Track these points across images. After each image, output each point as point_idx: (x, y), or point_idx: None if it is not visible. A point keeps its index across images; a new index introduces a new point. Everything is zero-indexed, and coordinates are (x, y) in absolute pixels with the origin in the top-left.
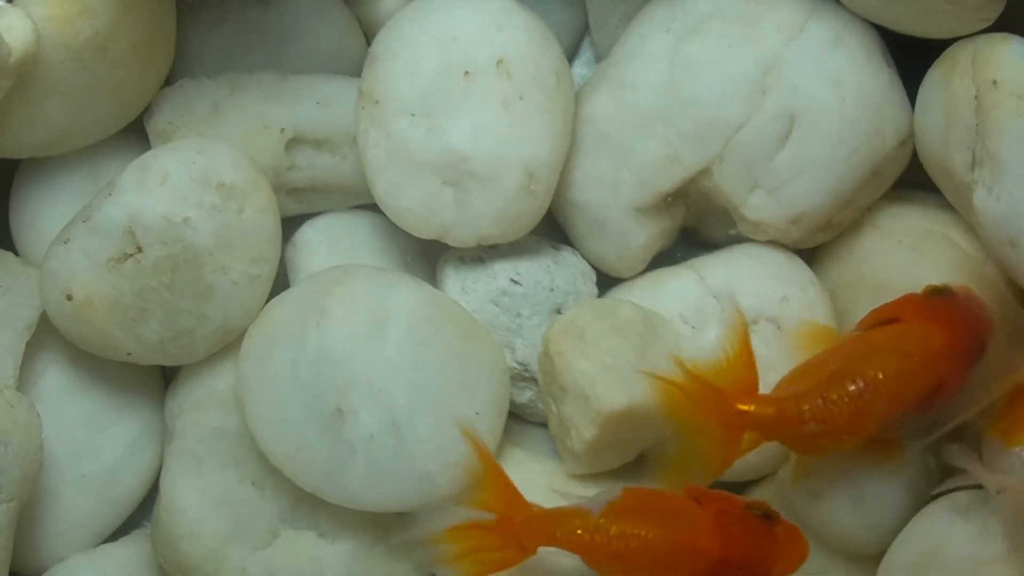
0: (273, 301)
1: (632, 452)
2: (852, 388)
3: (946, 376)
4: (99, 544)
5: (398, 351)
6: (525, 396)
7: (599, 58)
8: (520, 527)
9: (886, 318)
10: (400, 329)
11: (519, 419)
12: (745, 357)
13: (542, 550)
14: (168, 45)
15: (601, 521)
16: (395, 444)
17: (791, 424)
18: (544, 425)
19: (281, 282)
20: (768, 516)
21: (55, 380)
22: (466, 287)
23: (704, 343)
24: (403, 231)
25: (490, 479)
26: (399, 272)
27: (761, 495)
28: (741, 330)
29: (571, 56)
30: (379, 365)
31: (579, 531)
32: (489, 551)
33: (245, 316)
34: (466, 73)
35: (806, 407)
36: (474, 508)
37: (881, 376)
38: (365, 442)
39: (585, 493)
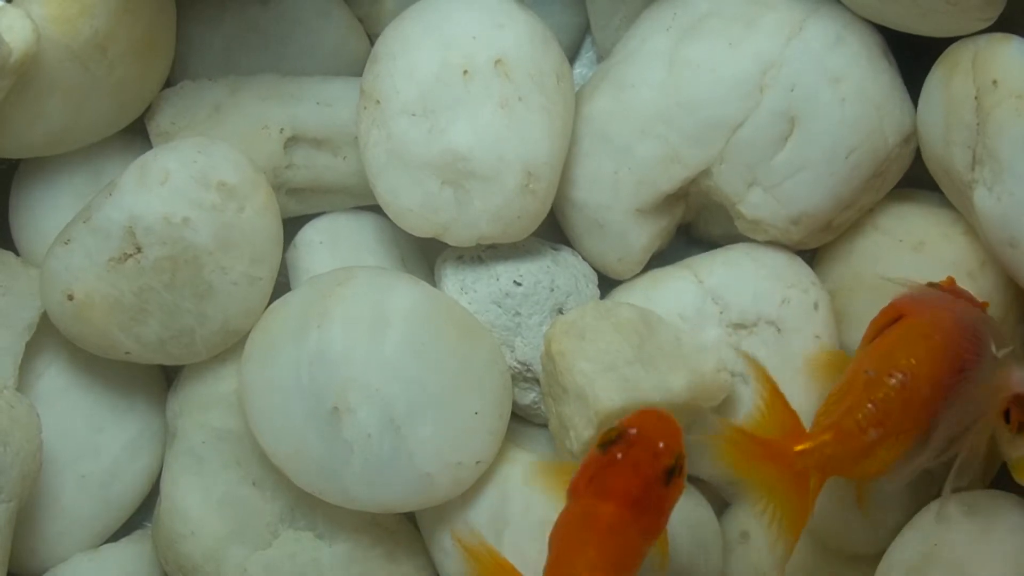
0: (275, 303)
1: None
2: (893, 381)
3: (966, 354)
4: (100, 544)
5: (397, 351)
6: (528, 398)
7: (601, 58)
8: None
9: (888, 320)
10: (399, 329)
11: (523, 421)
12: (780, 403)
13: None
14: (168, 45)
15: None
16: (393, 444)
17: (852, 440)
18: (547, 426)
19: (282, 284)
20: (619, 436)
21: (55, 380)
22: (466, 287)
23: (704, 341)
24: (404, 231)
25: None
26: (399, 272)
27: None
28: (766, 379)
29: (572, 56)
30: (377, 365)
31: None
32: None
33: (246, 317)
34: (465, 73)
35: (860, 416)
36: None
37: (914, 361)
38: (363, 442)
39: None
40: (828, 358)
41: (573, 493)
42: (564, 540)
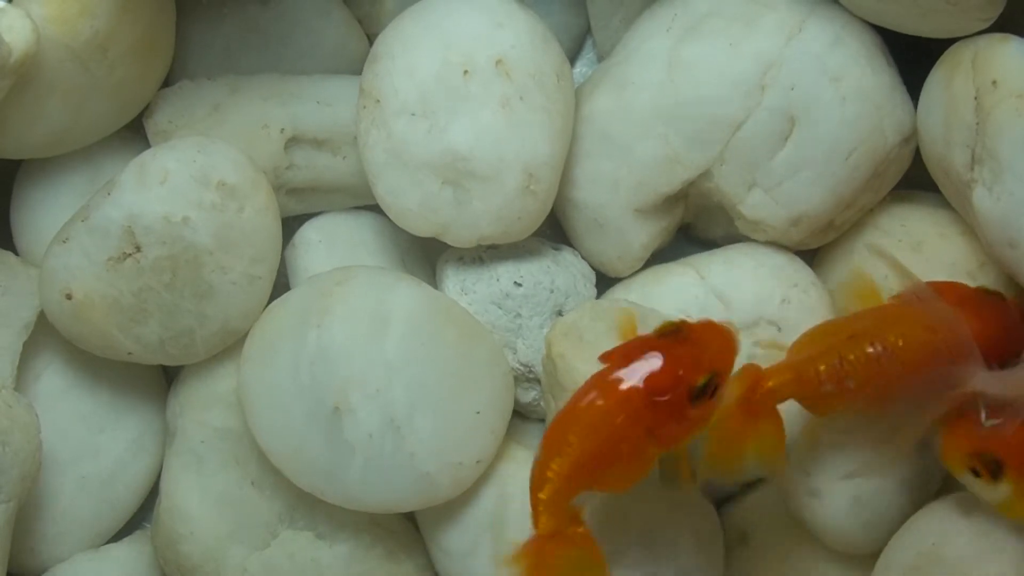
0: (274, 303)
1: None
2: (871, 351)
3: (963, 363)
4: (100, 545)
5: (397, 351)
6: (529, 395)
7: (601, 58)
8: (533, 526)
9: (932, 289)
10: (399, 329)
11: (523, 417)
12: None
13: None
14: (168, 45)
15: (545, 457)
16: (394, 444)
17: (808, 386)
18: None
19: (281, 283)
20: (675, 330)
21: (54, 380)
22: (466, 288)
23: None
24: (404, 231)
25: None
26: (399, 272)
27: (761, 493)
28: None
29: (573, 56)
30: (378, 365)
31: (555, 476)
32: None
33: (246, 317)
34: (465, 72)
35: (822, 367)
36: None
37: (901, 343)
38: (363, 442)
39: (584, 494)
40: (863, 286)
41: (603, 358)
42: (573, 406)
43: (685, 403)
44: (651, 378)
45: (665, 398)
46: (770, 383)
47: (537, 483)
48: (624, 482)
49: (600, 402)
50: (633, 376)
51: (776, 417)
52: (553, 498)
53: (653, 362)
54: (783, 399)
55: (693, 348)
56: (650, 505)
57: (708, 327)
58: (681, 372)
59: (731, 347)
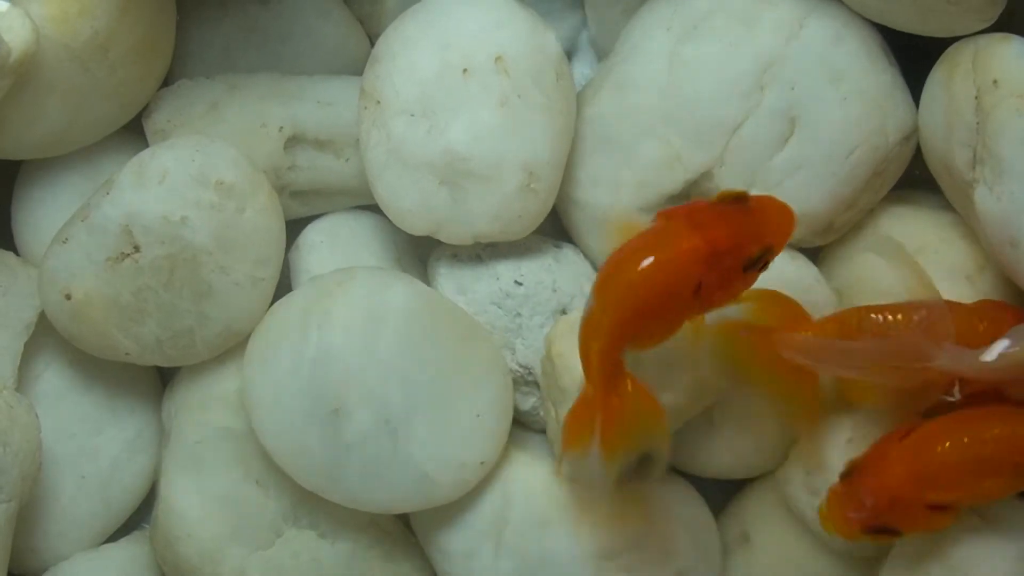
0: (276, 304)
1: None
2: (916, 318)
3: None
4: (99, 544)
5: (396, 351)
6: (529, 403)
7: (599, 57)
8: (595, 380)
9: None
10: (399, 330)
11: (523, 427)
12: (783, 296)
13: None
14: (167, 44)
15: (596, 306)
16: (391, 444)
17: (850, 333)
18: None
19: (284, 285)
20: (737, 198)
21: (54, 380)
22: (464, 287)
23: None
24: (402, 231)
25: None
26: (399, 273)
27: (761, 493)
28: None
29: (572, 55)
30: (375, 366)
31: (601, 327)
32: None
33: (249, 318)
34: (465, 71)
35: (864, 316)
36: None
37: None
38: (362, 442)
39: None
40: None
41: (661, 215)
42: (630, 255)
43: (737, 270)
44: (712, 240)
45: (721, 261)
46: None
47: (590, 333)
48: (657, 339)
49: (659, 255)
50: (694, 235)
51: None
52: (607, 348)
53: (715, 225)
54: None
55: (754, 218)
56: (647, 506)
57: (770, 201)
58: (740, 239)
59: (789, 224)
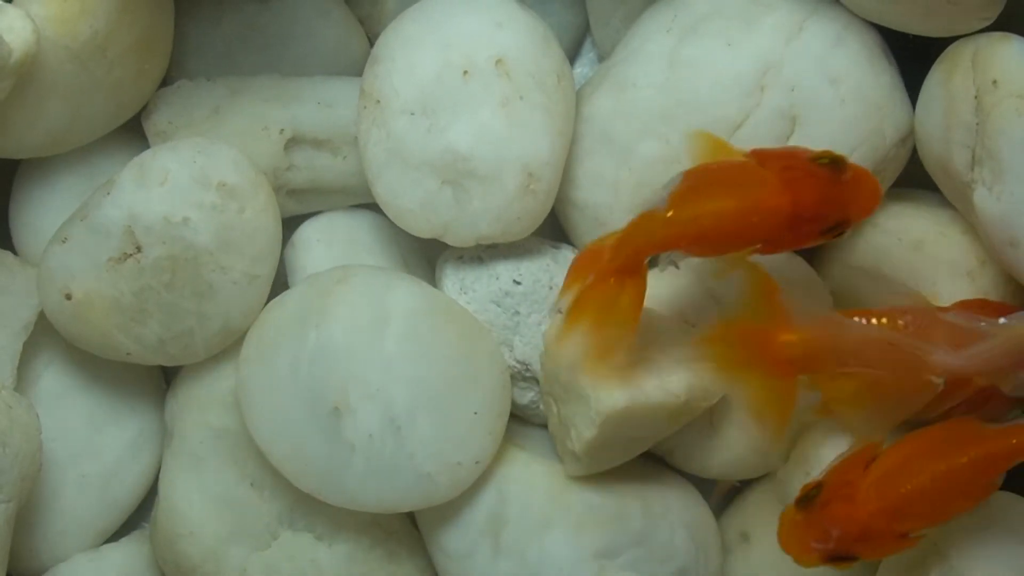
0: (273, 302)
1: (631, 452)
2: (901, 322)
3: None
4: (99, 545)
5: (396, 351)
6: (527, 397)
7: (601, 58)
8: (611, 264)
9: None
10: (399, 329)
11: (521, 420)
12: (773, 296)
13: None
14: (166, 44)
15: (670, 214)
16: (394, 444)
17: (834, 339)
18: (546, 426)
19: (280, 283)
20: (836, 162)
21: (54, 381)
22: (465, 287)
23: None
24: (403, 231)
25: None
26: (398, 272)
27: (762, 494)
28: (761, 274)
29: (573, 56)
30: (377, 365)
31: (656, 232)
32: (599, 289)
33: (245, 317)
34: (465, 72)
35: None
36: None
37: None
38: (363, 442)
39: (584, 494)
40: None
41: (756, 155)
42: (719, 180)
43: (813, 234)
44: (799, 204)
45: (801, 224)
46: (789, 336)
47: (647, 223)
48: (701, 255)
49: (744, 202)
50: (784, 194)
51: (790, 375)
52: (649, 246)
53: (807, 189)
54: (807, 362)
55: (844, 189)
56: (647, 505)
57: (864, 175)
58: (826, 209)
59: (875, 201)
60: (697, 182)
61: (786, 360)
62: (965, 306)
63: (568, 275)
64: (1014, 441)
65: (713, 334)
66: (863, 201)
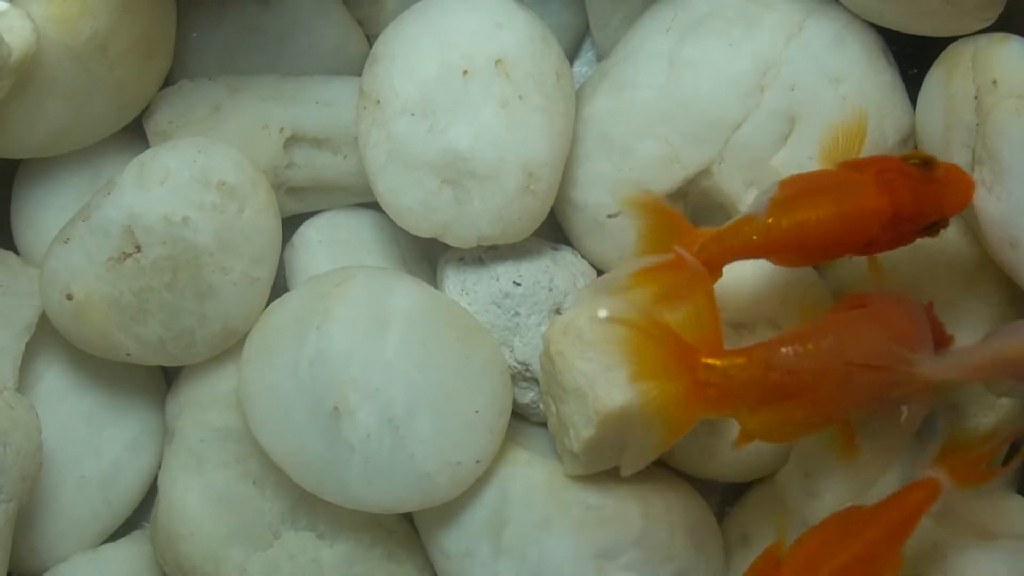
0: (274, 303)
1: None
2: (822, 344)
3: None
4: (99, 544)
5: (397, 351)
6: (527, 396)
7: (601, 58)
8: (701, 255)
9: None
10: (399, 329)
11: (522, 419)
12: (711, 317)
13: None
14: (167, 45)
15: (770, 220)
16: (393, 444)
17: (758, 373)
18: (547, 425)
19: (280, 283)
20: (926, 161)
21: (55, 381)
22: (466, 288)
23: None
24: (404, 230)
25: (653, 220)
26: (398, 272)
27: (759, 496)
28: (707, 291)
29: (572, 56)
30: (377, 365)
31: (754, 237)
32: (680, 289)
33: (246, 317)
34: (465, 73)
35: (778, 352)
36: (649, 254)
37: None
38: (363, 441)
39: (584, 494)
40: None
41: (848, 165)
42: (819, 186)
43: (911, 234)
44: (897, 205)
45: (900, 225)
46: (711, 360)
47: (741, 229)
48: (810, 260)
49: (843, 207)
50: (882, 197)
51: (700, 396)
52: (741, 246)
53: (903, 190)
54: (723, 392)
55: (937, 186)
56: (647, 506)
57: (955, 171)
58: (923, 207)
59: (968, 197)
60: (796, 190)
61: (701, 383)
62: (848, 302)
63: (642, 239)
64: (907, 510)
65: (647, 330)
66: (957, 196)
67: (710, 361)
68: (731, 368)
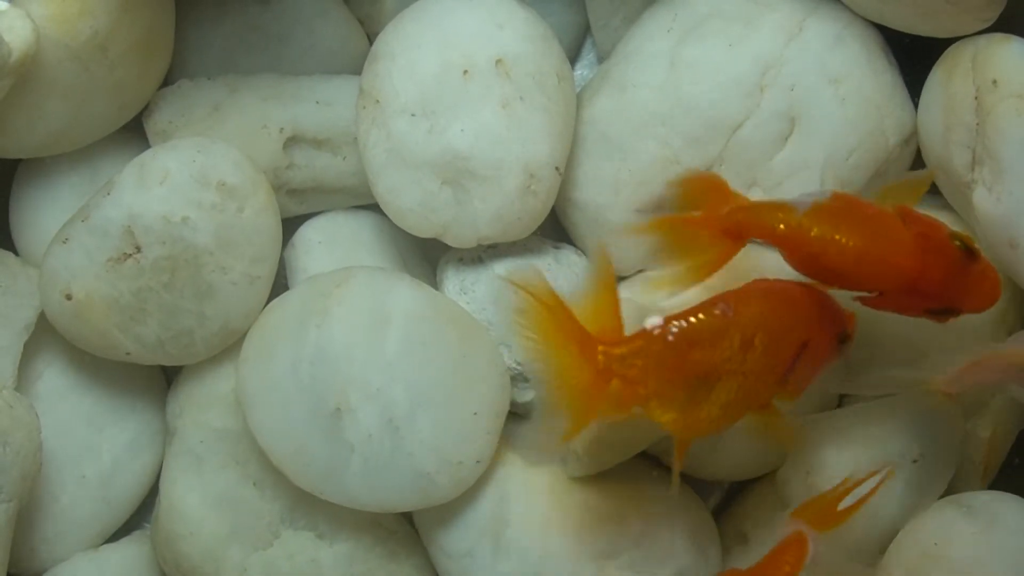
0: (273, 303)
1: (632, 451)
2: (716, 312)
3: (812, 337)
4: (99, 545)
5: (397, 351)
6: (527, 396)
7: (601, 59)
8: (726, 219)
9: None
10: (399, 330)
11: (522, 420)
12: (611, 300)
13: None
14: (167, 44)
15: (804, 220)
16: (393, 444)
17: (656, 347)
18: None
19: (280, 283)
20: (970, 250)
21: (54, 380)
22: (465, 287)
23: None
24: (403, 231)
25: (696, 177)
26: (398, 273)
27: (760, 494)
28: (606, 272)
29: (573, 57)
30: (378, 365)
31: (781, 225)
32: (699, 249)
33: (245, 317)
34: (465, 72)
35: (673, 325)
36: (681, 206)
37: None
38: (363, 442)
39: (584, 495)
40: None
41: (899, 208)
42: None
43: (919, 307)
44: (924, 273)
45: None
46: (610, 348)
47: (775, 214)
48: (817, 277)
49: (875, 249)
50: (915, 257)
51: (600, 384)
52: (767, 228)
53: (937, 259)
54: (623, 373)
55: (968, 280)
56: (647, 506)
57: (990, 274)
58: (946, 288)
59: (990, 301)
60: (841, 207)
61: (602, 370)
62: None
63: (673, 191)
64: (785, 569)
65: (548, 308)
66: (980, 297)
67: (610, 349)
68: (630, 355)
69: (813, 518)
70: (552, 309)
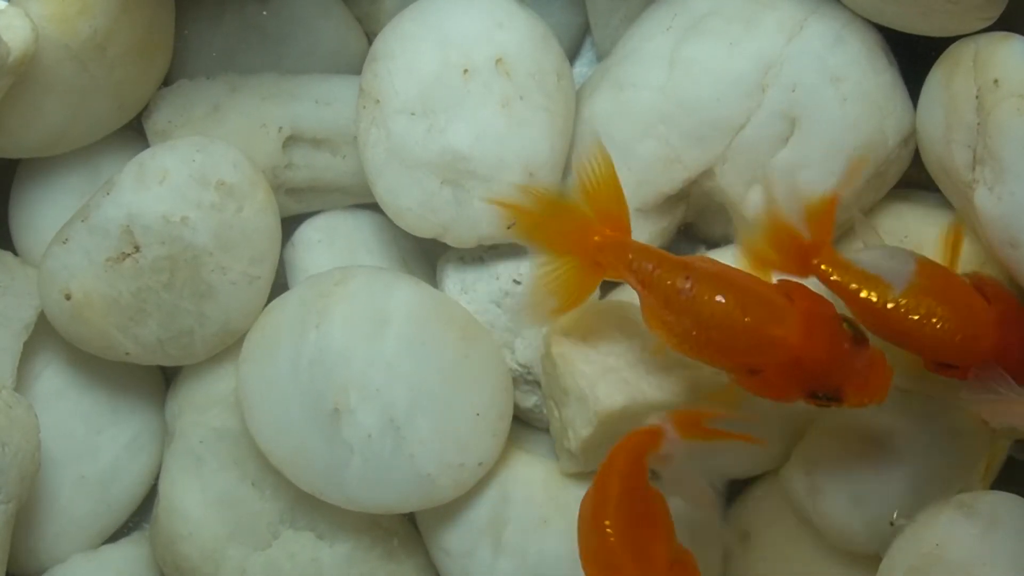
0: (273, 303)
1: None
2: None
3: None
4: (98, 545)
5: (397, 351)
6: (530, 401)
7: (601, 58)
8: (598, 245)
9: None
10: (399, 329)
11: (525, 424)
12: (614, 190)
13: None
14: (167, 44)
15: (903, 301)
16: (393, 444)
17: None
18: (549, 431)
19: (279, 283)
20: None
21: (54, 380)
22: (466, 287)
23: None
24: (403, 231)
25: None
26: (398, 272)
27: (762, 492)
28: (607, 162)
29: (572, 56)
30: (378, 365)
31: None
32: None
33: (245, 317)
34: (465, 72)
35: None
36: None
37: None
38: (363, 442)
39: (583, 494)
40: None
41: (972, 275)
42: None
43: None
44: (1005, 344)
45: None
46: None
47: (875, 287)
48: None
49: (966, 328)
50: (996, 330)
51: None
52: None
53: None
54: (615, 264)
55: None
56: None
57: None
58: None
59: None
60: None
61: (596, 256)
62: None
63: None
64: (631, 454)
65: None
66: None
67: (600, 238)
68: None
69: (680, 422)
70: (554, 195)
